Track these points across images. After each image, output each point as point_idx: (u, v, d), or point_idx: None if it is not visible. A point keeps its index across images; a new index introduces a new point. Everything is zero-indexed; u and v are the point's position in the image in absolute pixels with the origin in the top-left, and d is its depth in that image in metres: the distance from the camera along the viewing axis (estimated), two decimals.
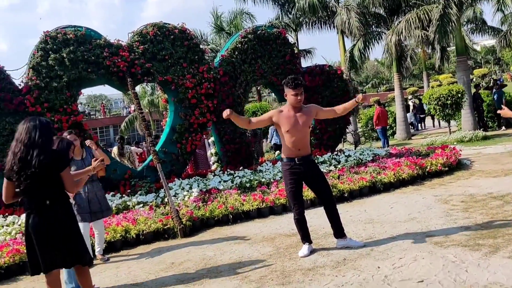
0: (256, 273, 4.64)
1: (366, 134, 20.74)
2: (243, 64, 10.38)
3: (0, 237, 6.93)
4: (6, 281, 5.66)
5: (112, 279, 5.13)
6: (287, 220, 6.85)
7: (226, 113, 4.81)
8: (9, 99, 8.36)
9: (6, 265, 5.80)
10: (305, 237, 5.15)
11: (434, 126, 23.22)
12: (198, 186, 8.77)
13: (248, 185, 8.78)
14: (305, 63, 27.79)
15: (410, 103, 23.49)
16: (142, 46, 9.32)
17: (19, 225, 7.40)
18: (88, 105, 53.93)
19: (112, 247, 6.42)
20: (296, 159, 5.03)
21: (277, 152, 13.48)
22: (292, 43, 11.73)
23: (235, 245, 5.86)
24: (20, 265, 5.89)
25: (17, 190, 3.66)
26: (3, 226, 7.45)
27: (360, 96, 5.10)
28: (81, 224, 5.68)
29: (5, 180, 3.68)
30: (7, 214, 7.97)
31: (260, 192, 8.03)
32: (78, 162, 5.67)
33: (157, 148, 9.66)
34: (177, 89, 9.62)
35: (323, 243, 5.37)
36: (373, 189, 8.22)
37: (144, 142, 15.55)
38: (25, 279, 5.67)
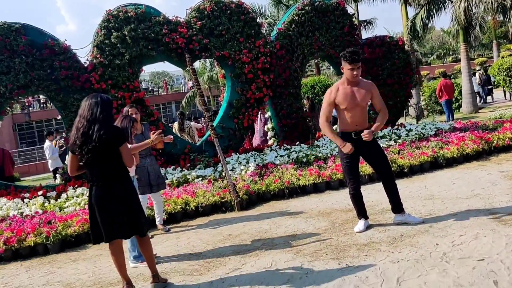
0: (311, 247, 4.65)
1: (429, 108, 19.91)
2: (300, 37, 10.22)
3: (71, 207, 7.40)
4: (76, 249, 6.05)
5: (173, 248, 5.35)
6: (344, 195, 6.79)
7: (349, 150, 4.82)
8: (76, 77, 8.79)
9: (75, 233, 6.19)
10: (361, 212, 5.09)
11: (505, 98, 21.84)
12: (255, 160, 8.86)
13: (304, 160, 8.75)
14: (365, 34, 26.88)
15: (477, 75, 22.17)
16: (199, 22, 9.42)
17: (88, 196, 7.84)
18: (151, 82, 55.45)
19: (173, 219, 6.67)
20: (352, 133, 4.93)
21: (335, 126, 13.28)
22: (351, 14, 11.36)
23: (290, 219, 5.90)
24: (88, 233, 6.22)
25: (81, 163, 3.86)
26: (73, 197, 7.94)
27: (365, 134, 4.86)
28: (140, 197, 5.95)
29: (69, 153, 3.89)
30: (76, 185, 8.48)
31: (316, 167, 7.99)
32: (139, 136, 5.88)
33: (215, 123, 9.84)
34: (233, 64, 9.67)
35: (379, 219, 5.29)
36: (434, 164, 7.93)
37: (202, 118, 15.84)
38: (93, 247, 6.01)
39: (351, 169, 4.99)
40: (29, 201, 7.95)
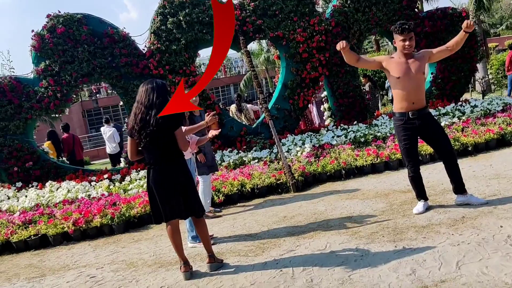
0: (367, 229, 4.55)
1: (496, 82, 18.72)
2: (356, 13, 9.88)
3: (134, 189, 7.71)
4: (139, 229, 6.31)
5: (229, 229, 5.44)
6: (403, 176, 6.57)
7: (341, 45, 4.53)
8: (135, 64, 9.06)
9: (138, 214, 6.45)
10: (421, 194, 4.89)
11: None
12: (311, 141, 8.77)
13: (362, 140, 8.56)
14: (428, 7, 25.57)
15: None
16: (253, 3, 9.36)
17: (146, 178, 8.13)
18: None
19: (229, 200, 6.77)
20: (409, 113, 4.69)
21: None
22: None
23: (346, 201, 5.81)
24: (150, 214, 6.47)
25: (139, 148, 3.98)
26: (136, 180, 8.27)
27: (466, 22, 4.48)
28: (202, 177, 6.08)
29: (128, 138, 4.03)
30: (139, 169, 8.81)
31: (375, 147, 7.78)
32: (197, 118, 5.98)
33: (270, 104, 9.82)
34: (288, 44, 9.55)
35: (440, 200, 5.07)
36: (501, 142, 7.49)
37: (258, 100, 15.82)
38: (155, 227, 6.26)
39: (409, 151, 4.78)
40: (95, 184, 8.38)
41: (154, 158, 3.90)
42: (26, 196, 8.12)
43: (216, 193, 6.76)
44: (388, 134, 8.54)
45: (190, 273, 4.03)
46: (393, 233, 4.31)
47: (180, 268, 4.04)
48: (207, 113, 4.74)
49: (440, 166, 6.01)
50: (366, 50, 32.99)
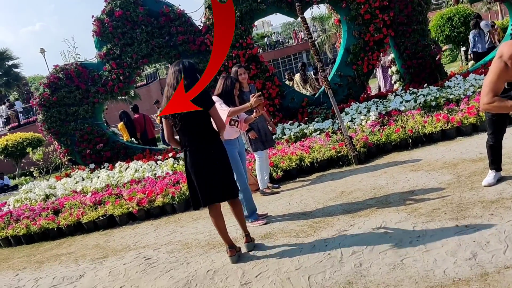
0: (428, 205, 4.20)
1: None
2: None
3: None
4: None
5: (284, 207, 5.31)
6: (476, 142, 6.02)
7: None
8: (192, 41, 9.06)
9: None
10: (495, 162, 4.38)
11: None
12: (377, 108, 8.31)
13: (433, 103, 7.96)
14: None
15: None
16: None
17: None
18: (280, 34, 55.32)
19: (288, 175, 6.62)
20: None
21: (471, 62, 11.77)
22: None
23: (410, 173, 5.42)
24: None
25: (176, 129, 3.92)
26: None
27: None
28: (257, 154, 5.98)
29: (164, 120, 3.98)
30: None
31: (445, 112, 7.19)
32: (247, 93, 5.83)
33: (332, 71, 9.42)
34: (348, 6, 9.02)
35: None
36: None
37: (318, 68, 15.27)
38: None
39: (496, 123, 4.23)
40: (161, 163, 8.60)
41: (189, 140, 3.82)
42: (98, 177, 8.54)
43: (274, 168, 6.64)
44: (462, 96, 7.85)
45: (238, 256, 3.98)
46: (456, 209, 3.93)
47: (227, 252, 3.99)
48: (253, 95, 4.56)
49: None
50: (439, 4, 30.55)
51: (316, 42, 36.68)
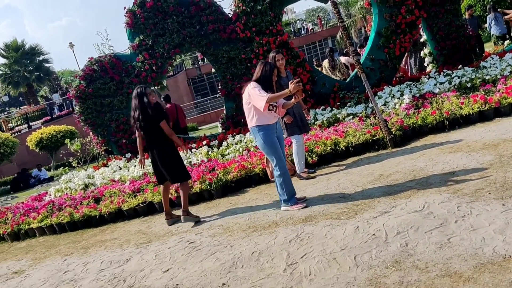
0: (471, 185, 4.17)
1: None
2: None
3: (231, 154, 7.90)
4: (236, 193, 6.47)
5: (322, 191, 5.34)
6: None
7: None
8: (222, 29, 9.11)
9: (235, 179, 6.60)
10: None
11: None
12: (411, 91, 8.21)
13: (469, 85, 7.83)
14: None
15: None
16: None
17: (245, 142, 8.28)
18: (305, 21, 54.79)
19: (323, 160, 6.64)
20: None
21: (507, 42, 11.49)
22: None
23: (449, 155, 5.37)
24: (246, 178, 6.65)
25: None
26: (232, 145, 8.45)
27: None
28: (294, 138, 6.01)
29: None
30: (234, 133, 8.99)
31: (482, 93, 7.05)
32: (284, 79, 5.87)
33: (364, 55, 9.33)
34: None
35: None
36: None
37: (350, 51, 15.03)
38: (251, 191, 6.38)
39: None
40: (195, 151, 8.73)
41: (148, 141, 5.65)
42: (134, 166, 8.74)
43: (309, 153, 6.66)
44: (498, 77, 7.68)
45: (172, 221, 5.71)
46: (501, 189, 3.89)
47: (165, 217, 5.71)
48: (291, 81, 4.59)
49: None
50: None
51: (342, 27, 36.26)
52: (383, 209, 4.18)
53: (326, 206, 4.74)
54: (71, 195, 8.17)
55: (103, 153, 10.18)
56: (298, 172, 6.16)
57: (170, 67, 9.96)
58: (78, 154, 10.37)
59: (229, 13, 9.26)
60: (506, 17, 12.11)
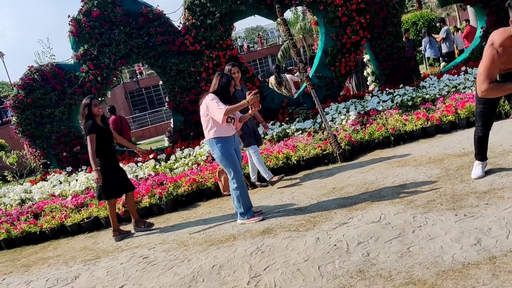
0: (423, 197, 4.33)
1: None
2: None
3: (179, 168, 7.74)
4: (187, 207, 6.34)
5: (277, 204, 5.34)
6: (457, 139, 6.25)
7: None
8: (171, 41, 8.99)
9: (186, 193, 6.47)
10: (481, 153, 4.50)
11: None
12: (356, 108, 8.48)
13: (410, 103, 8.19)
14: None
15: None
16: None
17: (194, 156, 8.15)
18: (245, 39, 55.62)
19: (275, 174, 6.62)
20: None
21: (443, 64, 12.25)
22: None
23: (398, 168, 5.57)
24: (197, 192, 6.53)
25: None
26: (181, 158, 8.29)
27: None
28: (251, 148, 5.99)
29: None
30: (183, 147, 8.83)
31: (424, 110, 7.42)
32: (239, 92, 5.87)
33: (311, 73, 9.54)
34: (326, 8, 9.18)
35: (500, 163, 4.75)
36: None
37: (294, 68, 15.32)
38: (203, 205, 6.27)
39: (487, 115, 4.30)
40: (142, 165, 8.48)
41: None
42: (76, 180, 8.34)
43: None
44: (437, 96, 8.12)
45: (121, 237, 5.54)
46: (451, 200, 4.07)
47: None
48: (249, 92, 4.61)
49: (497, 126, 5.66)
50: (406, 9, 31.55)
51: (283, 47, 37.11)
52: (341, 220, 4.24)
53: (283, 218, 4.74)
54: (6, 210, 7.63)
55: (40, 167, 9.62)
56: (267, 178, 6.09)
57: (115, 78, 9.64)
58: (14, 167, 9.74)
59: (179, 26, 9.17)
60: (437, 38, 12.96)
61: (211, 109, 4.68)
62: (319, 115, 8.20)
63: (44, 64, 9.31)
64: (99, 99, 9.06)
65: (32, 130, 9.07)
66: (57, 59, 9.25)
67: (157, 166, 8.21)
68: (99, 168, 5.34)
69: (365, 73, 10.73)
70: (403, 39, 11.36)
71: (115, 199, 5.61)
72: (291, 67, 17.56)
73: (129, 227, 5.93)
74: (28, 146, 9.33)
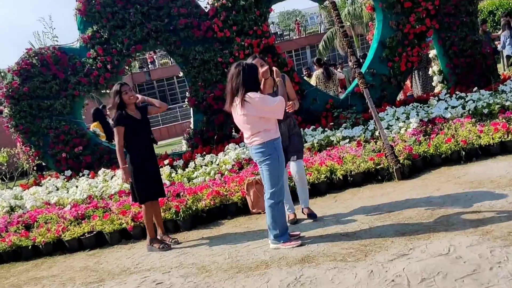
0: (502, 227, 4.27)
1: None
2: None
3: (200, 177, 7.83)
4: (208, 225, 6.40)
5: (319, 227, 5.34)
6: None
7: None
8: (196, 25, 9.14)
9: (207, 208, 6.53)
10: None
11: None
12: (418, 114, 8.44)
13: (485, 111, 8.11)
14: None
15: None
16: None
17: (217, 164, 8.23)
18: (279, 25, 55.77)
19: (316, 191, 6.66)
20: None
21: None
22: None
23: (470, 191, 5.51)
24: (221, 207, 6.59)
25: None
26: (201, 166, 8.39)
27: None
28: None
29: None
30: (204, 153, 8.92)
31: (503, 120, 7.31)
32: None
33: (363, 69, 9.53)
34: None
35: None
36: None
37: (339, 65, 15.28)
38: (226, 223, 6.33)
39: None
40: None
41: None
42: (76, 187, 8.52)
43: None
44: None
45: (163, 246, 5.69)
46: None
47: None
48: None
49: None
50: None
51: (326, 36, 37.12)
52: (399, 251, 4.22)
53: (327, 245, 4.75)
54: None
55: (34, 169, 9.87)
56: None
57: (127, 67, 9.82)
58: (3, 168, 10.03)
59: (206, 7, 9.32)
60: None
61: (269, 107, 4.77)
62: (371, 121, 8.18)
63: (45, 46, 9.58)
64: (107, 91, 9.27)
65: (27, 125, 9.32)
66: (60, 42, 9.41)
67: (173, 174, 8.33)
68: (126, 166, 5.56)
69: (430, 72, 10.64)
70: (479, 32, 11.23)
71: (151, 202, 5.76)
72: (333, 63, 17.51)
73: (142, 244, 6.02)
74: (21, 143, 9.59)
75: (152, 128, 22.07)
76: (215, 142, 9.13)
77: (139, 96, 5.95)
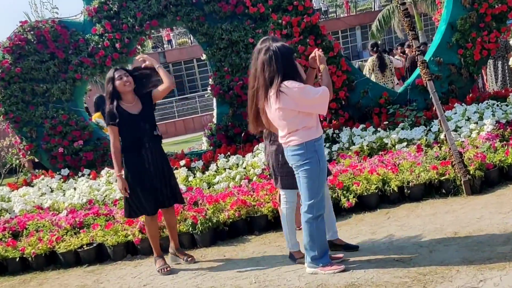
0: None
1: None
2: None
3: (222, 183, 7.85)
4: (231, 241, 6.43)
5: (368, 249, 5.34)
6: None
7: None
8: None
9: (230, 220, 6.55)
10: None
11: None
12: (494, 114, 8.32)
13: None
14: None
15: None
16: None
17: (244, 168, 8.25)
18: (324, 0, 55.58)
19: (364, 203, 6.65)
20: None
21: None
22: None
23: None
24: (247, 221, 6.61)
25: None
26: (225, 169, 8.42)
27: None
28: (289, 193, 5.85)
29: None
30: (229, 153, 8.95)
31: None
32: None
33: (426, 57, 9.44)
34: None
35: None
36: None
37: (396, 49, 15.07)
38: (253, 240, 6.35)
39: None
40: None
41: None
42: (74, 189, 8.63)
43: (344, 192, 6.66)
44: None
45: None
46: None
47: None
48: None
49: None
50: None
51: (380, 15, 36.86)
52: (467, 282, 4.19)
53: (376, 271, 4.74)
54: None
55: (26, 165, 10.06)
56: (290, 249, 5.43)
57: (139, 47, 9.90)
58: None
59: None
60: None
61: (309, 99, 4.76)
62: (435, 121, 8.10)
63: (42, 19, 9.74)
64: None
65: (19, 113, 9.49)
66: (60, 15, 9.55)
67: (190, 178, 8.38)
68: (122, 174, 5.59)
69: (510, 62, 10.50)
70: None
71: (152, 215, 5.79)
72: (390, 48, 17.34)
73: (151, 260, 6.08)
74: (11, 133, 9.76)
75: (166, 122, 22.37)
76: (242, 140, 9.14)
77: (146, 59, 5.87)
